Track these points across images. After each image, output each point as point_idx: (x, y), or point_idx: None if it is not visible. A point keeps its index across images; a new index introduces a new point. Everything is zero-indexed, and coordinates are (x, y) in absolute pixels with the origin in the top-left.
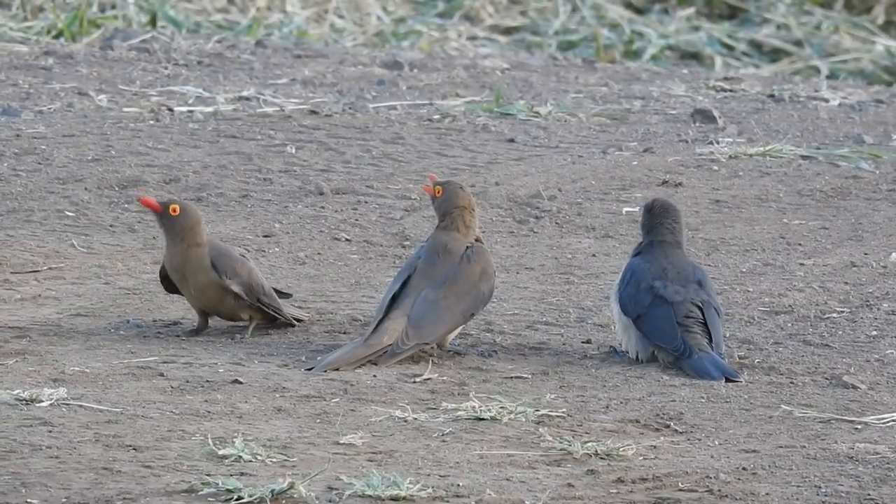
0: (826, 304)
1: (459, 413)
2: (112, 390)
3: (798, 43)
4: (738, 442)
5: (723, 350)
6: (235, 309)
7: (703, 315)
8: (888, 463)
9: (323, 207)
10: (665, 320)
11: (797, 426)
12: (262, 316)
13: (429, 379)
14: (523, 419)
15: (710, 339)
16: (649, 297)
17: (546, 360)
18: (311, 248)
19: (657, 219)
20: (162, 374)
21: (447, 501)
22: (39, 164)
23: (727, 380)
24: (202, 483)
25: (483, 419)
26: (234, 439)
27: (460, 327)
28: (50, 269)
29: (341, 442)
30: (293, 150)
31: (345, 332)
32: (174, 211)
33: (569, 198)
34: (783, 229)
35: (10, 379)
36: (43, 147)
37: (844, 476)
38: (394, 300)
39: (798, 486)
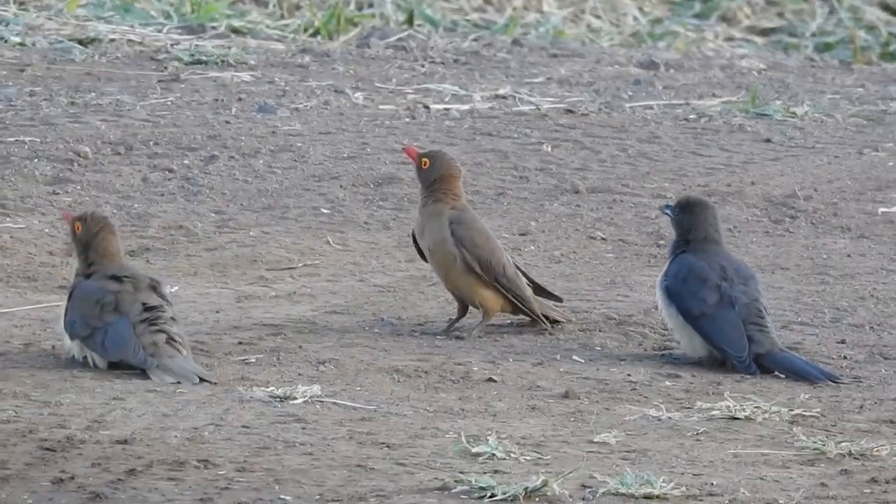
0: None
1: (714, 412)
2: (366, 388)
3: None
4: None
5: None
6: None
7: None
8: None
9: (578, 206)
10: (733, 326)
11: None
12: (505, 305)
13: (680, 377)
14: (777, 419)
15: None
16: (716, 297)
17: None
18: (566, 246)
19: (697, 217)
20: (416, 372)
21: (701, 500)
22: (295, 161)
23: (831, 381)
24: (455, 481)
25: (737, 419)
26: (488, 437)
27: None
28: (305, 266)
29: (595, 440)
30: (549, 149)
31: (600, 331)
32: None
33: (824, 198)
34: None
35: (265, 376)
36: (299, 144)
37: None
38: None
39: None
